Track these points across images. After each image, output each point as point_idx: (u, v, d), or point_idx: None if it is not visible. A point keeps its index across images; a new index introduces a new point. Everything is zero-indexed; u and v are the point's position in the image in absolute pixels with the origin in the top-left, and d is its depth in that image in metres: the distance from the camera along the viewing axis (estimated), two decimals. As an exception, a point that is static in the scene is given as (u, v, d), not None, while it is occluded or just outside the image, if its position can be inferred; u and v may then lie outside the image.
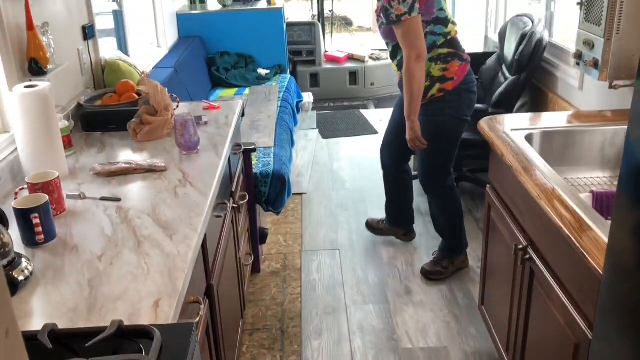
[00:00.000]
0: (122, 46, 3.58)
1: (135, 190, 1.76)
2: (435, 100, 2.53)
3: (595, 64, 2.22)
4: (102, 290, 1.25)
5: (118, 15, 3.71)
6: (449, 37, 2.49)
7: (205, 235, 1.57)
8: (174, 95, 2.35)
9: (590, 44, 2.24)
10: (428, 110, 2.53)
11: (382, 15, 2.42)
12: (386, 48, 2.65)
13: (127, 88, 2.42)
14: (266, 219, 3.41)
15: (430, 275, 2.85)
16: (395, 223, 3.13)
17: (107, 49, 3.09)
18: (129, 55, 3.49)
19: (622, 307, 1.11)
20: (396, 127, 2.76)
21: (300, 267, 3.00)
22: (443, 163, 2.70)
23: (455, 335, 2.48)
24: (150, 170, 1.87)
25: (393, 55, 2.59)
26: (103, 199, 1.69)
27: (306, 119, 5.20)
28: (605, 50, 2.14)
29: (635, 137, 1.04)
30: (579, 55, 2.36)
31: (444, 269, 2.86)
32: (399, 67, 2.54)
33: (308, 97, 5.34)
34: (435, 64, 2.49)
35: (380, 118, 5.21)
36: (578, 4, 2.32)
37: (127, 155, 2.05)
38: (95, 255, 1.39)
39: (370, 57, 6.04)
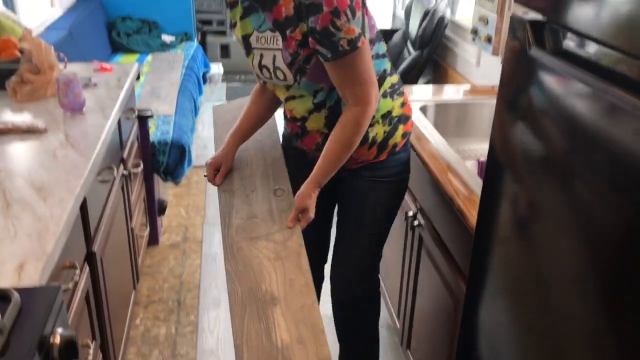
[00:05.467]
0: (9, 2, 3.30)
1: (10, 152, 1.63)
2: (396, 153, 1.59)
3: (488, 39, 2.30)
4: (-40, 254, 1.14)
5: (6, -31, 3.41)
6: (388, 58, 1.58)
7: (85, 199, 1.48)
8: (61, 55, 2.20)
9: (485, 20, 2.31)
10: (389, 170, 1.59)
11: (320, 48, 1.36)
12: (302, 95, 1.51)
13: (8, 45, 2.23)
14: (167, 191, 3.30)
15: None
16: None
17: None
18: (15, 12, 3.24)
19: (495, 267, 1.16)
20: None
21: (202, 240, 2.93)
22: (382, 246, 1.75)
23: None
24: (29, 131, 1.74)
25: (319, 107, 1.51)
26: (-29, 160, 1.55)
27: (215, 91, 5.07)
28: (498, 26, 2.22)
29: (501, 106, 1.08)
30: (475, 31, 2.43)
31: None
32: (331, 122, 1.50)
33: (217, 69, 5.20)
34: (392, 99, 1.56)
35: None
36: (474, -20, 2.38)
37: (4, 116, 1.89)
38: (-44, 219, 1.27)
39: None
